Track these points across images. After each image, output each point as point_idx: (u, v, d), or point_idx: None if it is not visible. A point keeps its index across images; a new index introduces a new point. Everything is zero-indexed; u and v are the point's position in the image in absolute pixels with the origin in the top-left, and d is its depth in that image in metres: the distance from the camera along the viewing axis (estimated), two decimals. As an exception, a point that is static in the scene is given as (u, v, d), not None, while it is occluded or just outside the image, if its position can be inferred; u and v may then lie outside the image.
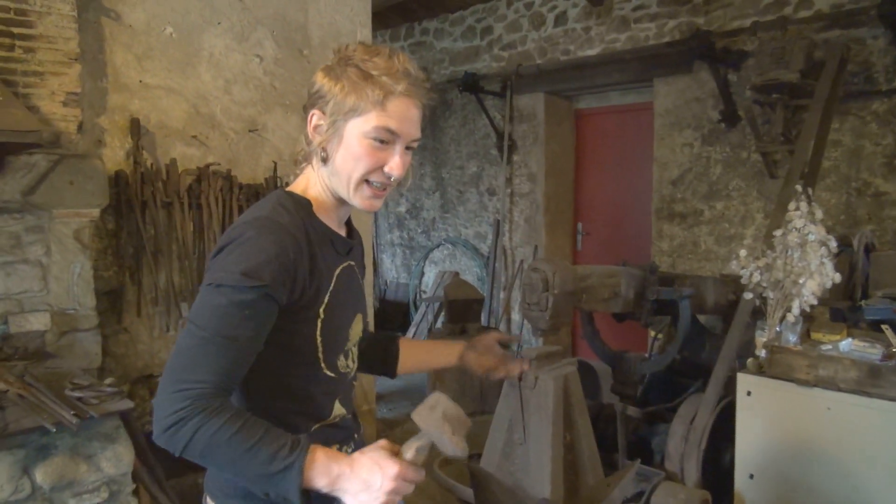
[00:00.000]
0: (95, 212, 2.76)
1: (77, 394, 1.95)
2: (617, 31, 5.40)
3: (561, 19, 5.77)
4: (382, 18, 6.80)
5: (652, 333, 4.03)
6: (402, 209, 7.40)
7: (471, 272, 6.73)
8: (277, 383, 1.17)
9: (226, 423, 0.99)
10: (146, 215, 3.07)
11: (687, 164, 5.06)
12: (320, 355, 1.19)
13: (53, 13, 2.71)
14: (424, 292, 7.16)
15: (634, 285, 3.32)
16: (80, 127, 2.80)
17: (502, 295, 6.35)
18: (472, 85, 6.02)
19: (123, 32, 3.07)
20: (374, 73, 1.14)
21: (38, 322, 2.57)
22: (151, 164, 3.13)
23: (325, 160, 1.19)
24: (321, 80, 1.18)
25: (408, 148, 1.20)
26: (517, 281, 6.26)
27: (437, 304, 6.59)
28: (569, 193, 6.28)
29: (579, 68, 5.57)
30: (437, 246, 7.03)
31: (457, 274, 6.75)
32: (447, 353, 1.61)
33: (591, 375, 3.98)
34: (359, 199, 1.19)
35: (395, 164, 1.17)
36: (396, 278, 7.57)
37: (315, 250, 1.16)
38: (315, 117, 1.19)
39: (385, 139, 1.16)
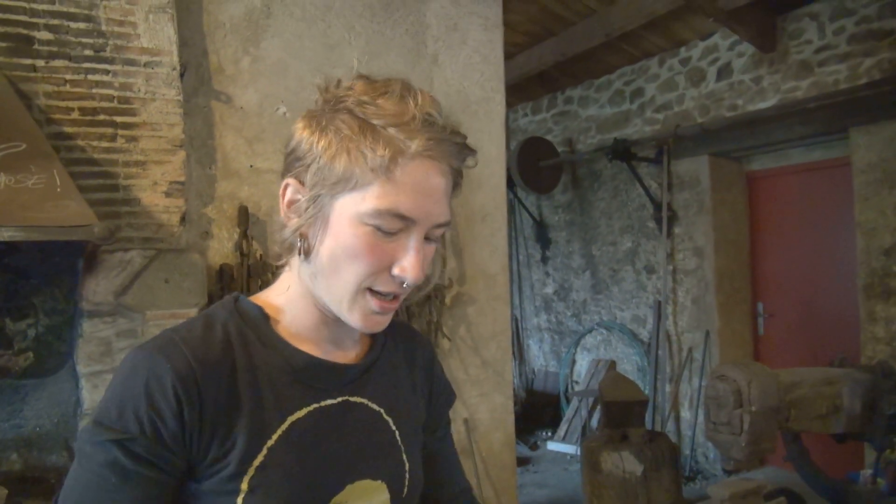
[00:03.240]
0: (193, 312, 2.45)
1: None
2: (796, 77, 4.59)
3: (725, 72, 5.06)
4: (522, 90, 6.47)
5: (887, 451, 3.05)
6: (550, 290, 6.79)
7: (629, 360, 5.91)
8: None
9: None
10: (253, 313, 2.74)
11: (904, 229, 4.06)
12: None
13: (158, 99, 2.52)
14: (577, 382, 6.41)
15: (861, 394, 2.47)
16: (183, 218, 2.55)
17: (668, 388, 5.46)
18: (622, 152, 5.41)
19: (234, 115, 2.86)
20: (375, 121, 0.75)
21: (124, 441, 2.25)
22: (261, 256, 2.82)
23: (306, 253, 0.81)
24: (300, 134, 0.80)
25: (428, 239, 0.80)
26: (685, 371, 5.37)
27: (591, 399, 5.82)
28: (744, 269, 5.37)
29: (750, 124, 4.79)
30: (590, 331, 6.30)
31: (613, 364, 5.96)
32: None
33: (800, 508, 3.05)
34: (358, 316, 0.80)
35: (410, 262, 0.77)
36: (545, 366, 6.89)
37: (241, 382, 0.77)
38: (290, 189, 0.81)
39: (393, 228, 0.76)
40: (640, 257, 5.80)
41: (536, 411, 6.52)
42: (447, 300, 3.33)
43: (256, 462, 0.76)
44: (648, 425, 5.25)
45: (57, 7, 2.36)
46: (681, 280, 5.46)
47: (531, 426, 6.33)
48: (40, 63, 2.34)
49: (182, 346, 0.76)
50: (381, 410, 0.89)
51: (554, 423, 6.31)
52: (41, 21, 2.35)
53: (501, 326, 3.57)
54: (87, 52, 2.41)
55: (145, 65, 2.50)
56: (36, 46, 2.34)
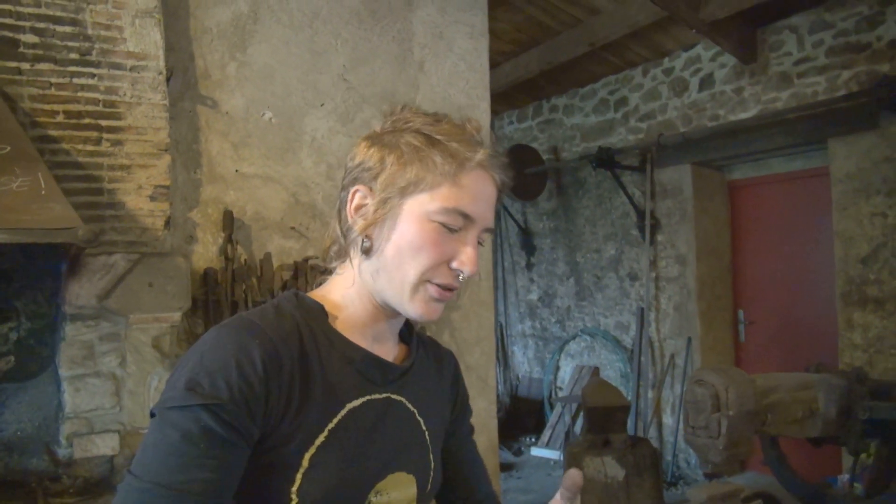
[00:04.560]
0: (176, 316, 2.46)
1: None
2: (776, 89, 4.67)
3: (707, 82, 5.13)
4: (508, 98, 6.51)
5: (862, 455, 3.10)
6: (534, 297, 6.83)
7: (612, 367, 5.95)
8: None
9: None
10: (238, 317, 2.74)
11: (880, 237, 4.13)
12: None
13: (144, 103, 2.53)
14: (560, 389, 6.44)
15: (836, 399, 2.51)
16: (167, 222, 2.56)
17: (651, 394, 5.51)
18: (606, 160, 5.47)
19: (220, 120, 2.87)
20: (439, 137, 0.89)
21: (106, 445, 2.25)
22: (245, 260, 2.83)
23: (367, 251, 0.89)
24: (367, 151, 0.91)
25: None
26: (667, 378, 5.42)
27: (574, 405, 5.86)
28: (726, 276, 5.43)
29: (732, 134, 4.86)
30: (574, 337, 6.34)
31: (596, 370, 6.01)
32: None
33: (778, 512, 3.09)
34: (418, 304, 0.88)
35: (469, 257, 0.88)
36: (529, 372, 6.92)
37: (312, 366, 0.85)
38: (358, 195, 0.90)
39: (456, 225, 0.88)
40: (624, 265, 5.85)
41: (520, 417, 6.55)
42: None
43: (318, 441, 0.82)
44: (631, 431, 5.29)
45: (43, 10, 2.37)
46: (663, 287, 5.51)
47: (515, 432, 6.35)
48: (25, 66, 2.34)
49: (264, 327, 0.83)
50: (415, 411, 0.96)
51: (538, 429, 6.33)
52: (27, 24, 2.35)
53: (485, 332, 3.59)
54: (73, 56, 2.41)
55: (131, 69, 2.51)
56: (21, 49, 2.34)
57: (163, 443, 0.75)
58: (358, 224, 0.89)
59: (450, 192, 0.86)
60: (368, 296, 0.92)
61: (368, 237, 0.89)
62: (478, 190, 0.88)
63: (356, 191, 0.90)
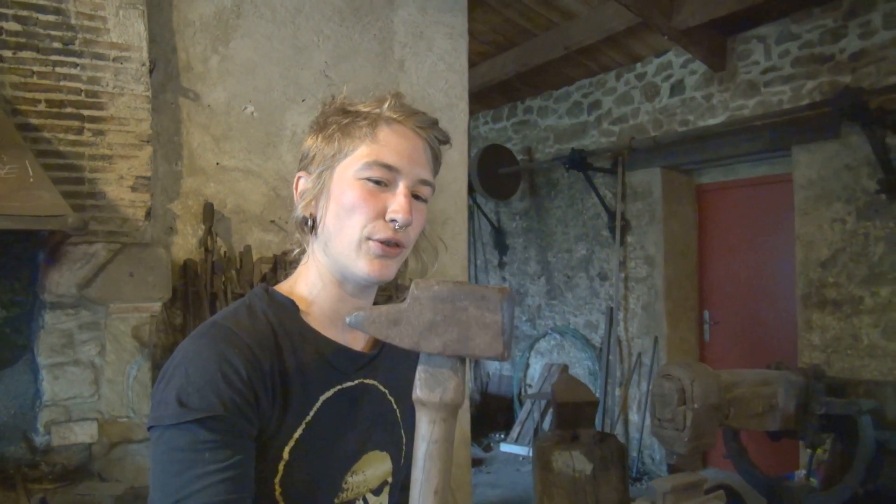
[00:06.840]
0: (156, 306, 2.48)
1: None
2: (744, 96, 4.82)
3: (678, 88, 5.27)
4: (484, 98, 6.59)
5: (817, 451, 3.24)
6: (506, 295, 6.91)
7: (581, 365, 6.07)
8: None
9: None
10: (216, 308, 2.77)
11: (839, 242, 4.30)
12: None
13: (126, 94, 2.54)
14: (530, 386, 6.54)
15: (795, 395, 2.63)
16: (148, 213, 2.57)
17: (618, 392, 5.63)
18: (579, 162, 5.58)
19: (202, 113, 2.88)
20: (359, 108, 0.95)
21: (84, 433, 2.26)
22: (225, 252, 2.85)
23: (314, 228, 0.95)
24: (304, 144, 0.99)
25: (417, 197, 0.94)
26: (634, 376, 5.55)
27: (543, 402, 5.96)
28: (692, 278, 5.58)
29: (701, 139, 5.00)
30: (544, 336, 6.45)
31: (566, 368, 6.11)
32: None
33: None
34: (364, 262, 0.91)
35: (400, 204, 0.90)
36: (499, 370, 7.00)
37: (287, 365, 0.89)
38: (301, 181, 0.98)
39: (381, 178, 0.91)
40: (594, 265, 5.97)
41: (491, 414, 6.63)
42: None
43: (297, 434, 0.88)
44: (598, 428, 5.41)
45: (26, -2, 2.36)
46: (632, 287, 5.64)
47: (485, 428, 6.43)
48: (7, 53, 2.34)
49: (240, 334, 0.86)
50: (386, 391, 1.01)
51: (507, 426, 6.42)
52: (9, 12, 2.34)
53: (459, 328, 3.65)
54: (56, 45, 2.42)
55: (114, 59, 2.52)
56: (3, 37, 2.33)
57: (165, 460, 0.79)
58: (300, 206, 0.95)
59: (369, 149, 0.91)
60: (329, 276, 0.95)
61: (312, 215, 0.95)
62: (396, 141, 0.92)
63: (299, 178, 0.97)
